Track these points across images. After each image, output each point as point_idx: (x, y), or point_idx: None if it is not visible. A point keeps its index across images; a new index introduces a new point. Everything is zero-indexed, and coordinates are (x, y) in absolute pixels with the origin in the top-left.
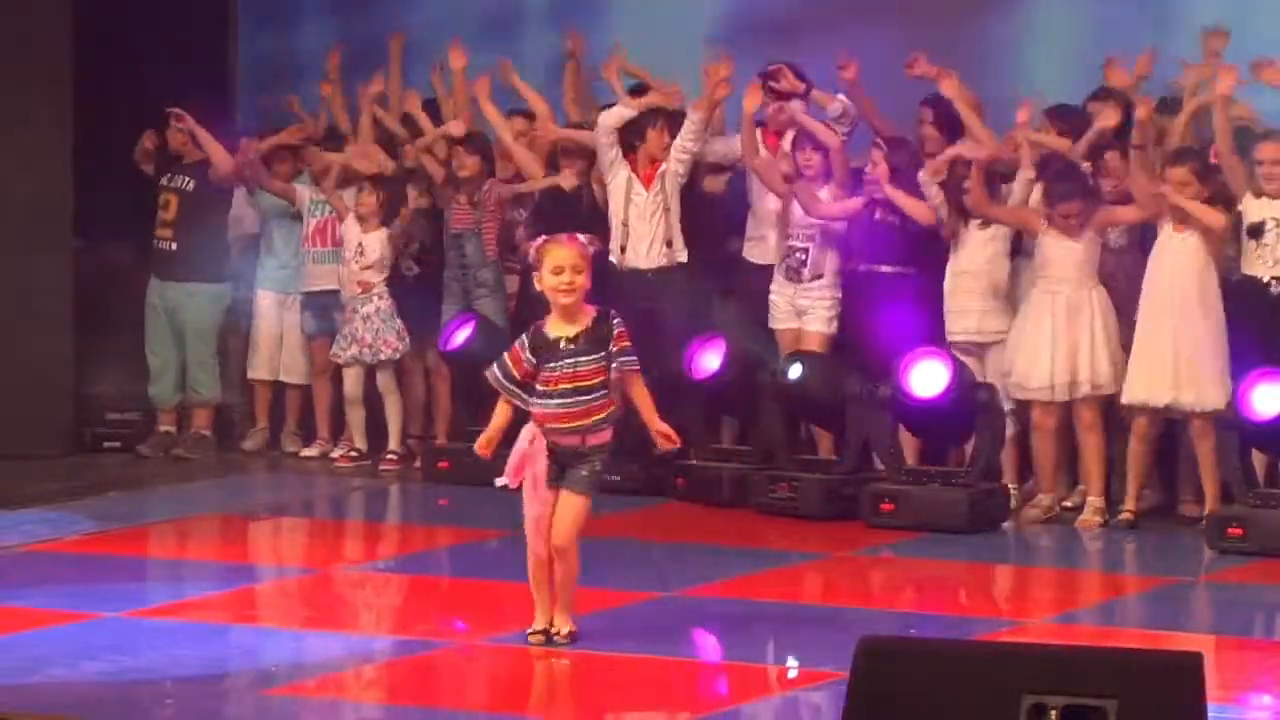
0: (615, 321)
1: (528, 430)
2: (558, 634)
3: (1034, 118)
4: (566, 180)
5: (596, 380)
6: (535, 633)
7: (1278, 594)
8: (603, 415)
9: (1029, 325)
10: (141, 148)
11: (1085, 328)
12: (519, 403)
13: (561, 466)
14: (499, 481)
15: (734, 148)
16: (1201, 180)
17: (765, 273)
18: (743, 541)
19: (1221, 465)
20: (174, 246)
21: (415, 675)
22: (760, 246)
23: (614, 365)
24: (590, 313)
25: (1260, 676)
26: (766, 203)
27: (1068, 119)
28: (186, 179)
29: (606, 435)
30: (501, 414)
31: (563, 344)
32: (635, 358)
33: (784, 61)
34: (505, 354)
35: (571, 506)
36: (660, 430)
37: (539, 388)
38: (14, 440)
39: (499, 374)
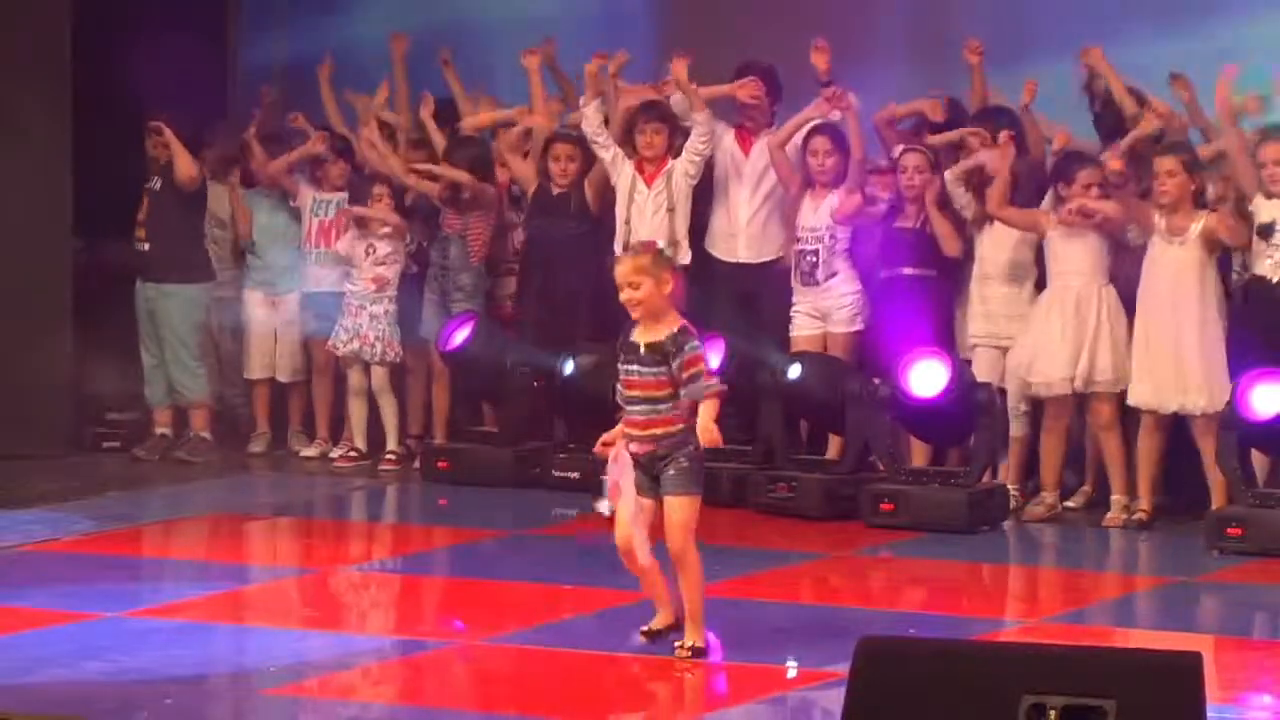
0: (691, 345)
1: (614, 449)
2: (681, 646)
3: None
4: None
5: (662, 393)
6: (646, 631)
7: (1277, 594)
8: (665, 430)
9: (1040, 321)
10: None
11: (1092, 324)
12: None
13: (651, 475)
14: (599, 507)
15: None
16: (1189, 171)
17: (735, 270)
18: (742, 541)
19: (1221, 465)
20: (148, 247)
21: (415, 675)
22: (727, 244)
23: (683, 392)
24: (674, 325)
25: (1260, 676)
26: (736, 201)
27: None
28: (155, 179)
29: (678, 432)
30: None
31: (641, 349)
32: (712, 382)
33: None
34: None
35: (675, 509)
36: (704, 427)
37: (621, 390)
38: (14, 440)
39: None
